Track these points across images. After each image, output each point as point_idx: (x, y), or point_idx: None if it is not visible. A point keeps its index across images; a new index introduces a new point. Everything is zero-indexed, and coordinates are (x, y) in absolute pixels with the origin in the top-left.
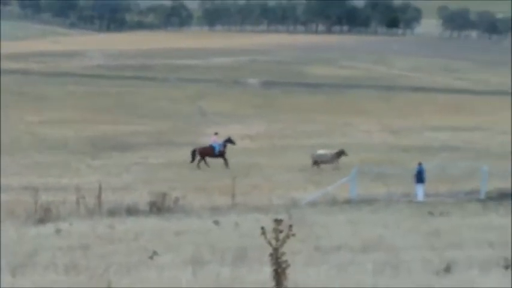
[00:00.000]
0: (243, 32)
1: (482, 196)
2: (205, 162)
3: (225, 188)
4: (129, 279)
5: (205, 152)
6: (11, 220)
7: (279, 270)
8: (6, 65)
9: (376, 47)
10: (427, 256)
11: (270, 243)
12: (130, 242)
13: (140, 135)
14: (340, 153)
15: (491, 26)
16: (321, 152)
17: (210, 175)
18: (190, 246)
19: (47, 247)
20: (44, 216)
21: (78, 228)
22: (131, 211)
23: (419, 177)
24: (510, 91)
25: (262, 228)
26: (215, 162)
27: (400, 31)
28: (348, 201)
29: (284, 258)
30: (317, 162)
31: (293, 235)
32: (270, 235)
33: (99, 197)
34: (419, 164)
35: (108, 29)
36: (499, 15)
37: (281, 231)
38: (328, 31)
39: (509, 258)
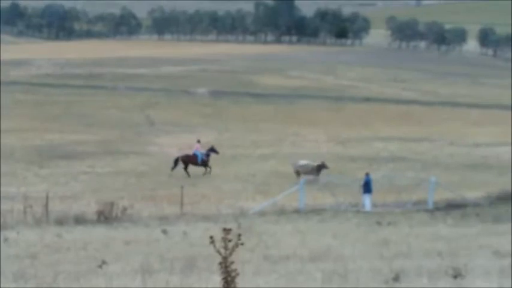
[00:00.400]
0: (193, 41)
1: (430, 206)
2: (186, 171)
3: (173, 197)
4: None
5: (189, 160)
6: None
7: (228, 279)
8: None
9: (325, 57)
10: (375, 265)
11: (219, 252)
12: (78, 250)
13: (88, 144)
14: (321, 166)
15: (440, 37)
16: (303, 162)
17: (158, 184)
18: (139, 255)
19: None
20: None
21: (25, 237)
22: (79, 220)
23: (367, 187)
24: (460, 102)
25: (211, 237)
26: (162, 171)
27: (349, 41)
28: (296, 211)
29: (233, 267)
30: (299, 172)
31: (242, 244)
32: (219, 244)
33: (46, 205)
34: (367, 174)
35: (56, 37)
36: (447, 26)
37: (230, 240)
38: (278, 41)
39: (458, 267)
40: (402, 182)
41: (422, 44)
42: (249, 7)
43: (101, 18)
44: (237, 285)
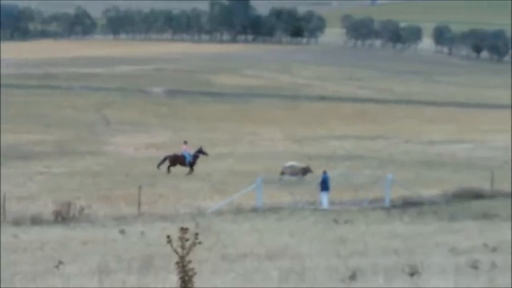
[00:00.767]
0: (148, 41)
1: (386, 204)
2: (169, 170)
3: (130, 197)
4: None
5: (177, 161)
6: None
7: (186, 278)
8: None
9: (280, 56)
10: (332, 263)
11: (176, 252)
12: (35, 251)
13: (44, 144)
14: (307, 170)
15: (395, 35)
16: (290, 163)
17: (115, 184)
18: (96, 256)
19: None
20: None
21: None
22: (36, 220)
23: (324, 185)
24: (415, 99)
25: (168, 236)
26: (119, 171)
27: (304, 40)
28: (254, 210)
29: (190, 266)
30: (284, 173)
31: (199, 243)
32: (176, 243)
33: (3, 206)
34: (324, 172)
35: (11, 37)
36: (403, 24)
37: (187, 240)
38: (233, 40)
39: (414, 265)
40: (359, 180)
41: (377, 43)
42: (204, 6)
43: (55, 18)
44: (194, 285)
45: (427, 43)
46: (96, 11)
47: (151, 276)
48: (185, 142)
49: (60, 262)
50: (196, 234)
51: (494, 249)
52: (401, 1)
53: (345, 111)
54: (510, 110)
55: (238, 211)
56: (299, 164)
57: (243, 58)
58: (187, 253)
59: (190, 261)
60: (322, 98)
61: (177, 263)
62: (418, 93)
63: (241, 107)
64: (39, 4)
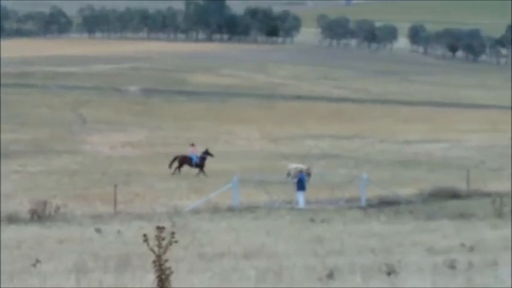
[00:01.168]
0: (123, 39)
1: (362, 203)
2: (179, 171)
3: (106, 196)
4: (12, 287)
5: (185, 162)
6: None
7: (162, 277)
8: None
9: (256, 55)
10: (309, 262)
11: (152, 250)
12: (12, 249)
13: (20, 143)
14: (309, 172)
15: (370, 35)
16: (295, 165)
17: (91, 183)
18: (73, 254)
19: None
20: None
21: None
22: (12, 219)
23: (300, 185)
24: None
25: (145, 235)
26: (95, 169)
27: (280, 39)
28: (231, 209)
29: (167, 265)
30: (290, 174)
31: (175, 242)
32: (153, 242)
33: None
34: (300, 171)
35: None
36: (378, 24)
37: (163, 239)
38: (209, 39)
39: (391, 264)
40: (335, 179)
41: (353, 42)
42: (179, 5)
43: (30, 16)
44: (171, 284)
45: (402, 43)
46: (71, 9)
47: (128, 275)
48: (192, 144)
49: (37, 261)
50: (173, 233)
51: (471, 249)
52: (377, 1)
53: (320, 111)
54: (485, 109)
55: (215, 210)
56: (302, 166)
57: (219, 57)
58: (164, 252)
59: (167, 260)
60: (298, 98)
61: (154, 262)
62: (394, 93)
63: (217, 106)
64: (14, 3)
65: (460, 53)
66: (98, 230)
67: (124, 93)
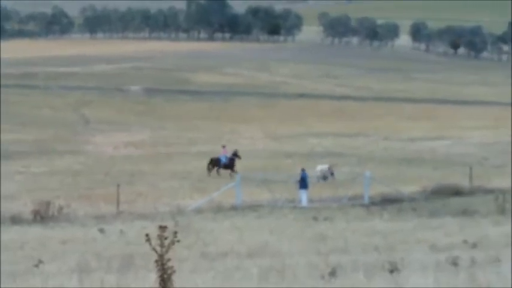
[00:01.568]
0: (125, 39)
1: (365, 201)
2: (218, 172)
3: (109, 196)
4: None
5: (214, 163)
6: None
7: (165, 276)
8: None
9: (258, 54)
10: (312, 261)
11: (155, 250)
12: (15, 250)
13: (23, 143)
14: (332, 172)
15: (372, 33)
16: (320, 167)
17: (94, 183)
18: (75, 255)
19: None
20: None
21: None
22: (15, 220)
23: (303, 183)
24: (394, 97)
25: (147, 235)
26: (98, 170)
27: (281, 38)
28: (234, 208)
29: (170, 264)
30: (321, 176)
31: (178, 241)
32: (155, 242)
33: None
34: (303, 169)
35: None
36: (379, 22)
37: (166, 238)
38: (211, 38)
39: (394, 262)
40: (338, 177)
41: (354, 40)
42: (181, 5)
43: (32, 17)
44: (174, 283)
45: (404, 40)
46: (73, 10)
47: (131, 275)
48: (223, 146)
49: (40, 261)
50: (175, 232)
51: (474, 246)
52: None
53: (323, 109)
54: (487, 106)
55: (218, 209)
56: (326, 166)
57: (221, 56)
58: (166, 251)
59: (169, 260)
60: (301, 96)
61: (156, 261)
62: (396, 91)
63: (219, 106)
64: (16, 4)
65: (461, 50)
66: (101, 230)
67: (126, 93)
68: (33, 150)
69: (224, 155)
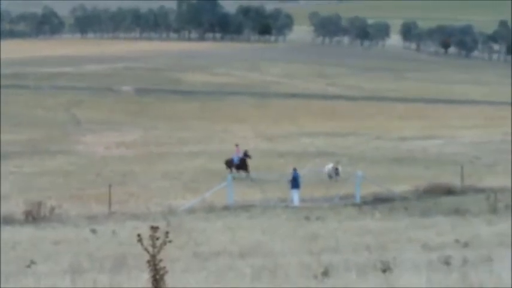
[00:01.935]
0: (116, 39)
1: (357, 200)
2: (238, 171)
3: (101, 196)
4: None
5: (229, 163)
6: None
7: (157, 277)
8: None
9: (249, 54)
10: (304, 260)
11: (147, 250)
12: (7, 251)
13: (14, 144)
14: (338, 169)
15: (363, 32)
16: (328, 166)
17: (86, 183)
18: (68, 255)
19: None
20: None
21: None
22: (7, 220)
23: (295, 183)
24: (385, 96)
25: (139, 235)
26: (90, 170)
27: (272, 38)
28: (226, 208)
29: (162, 264)
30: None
31: (170, 241)
32: (147, 242)
33: None
34: (294, 169)
35: None
36: (370, 21)
37: (158, 238)
38: (201, 38)
39: (387, 261)
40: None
41: (345, 39)
42: (171, 4)
43: (23, 17)
44: (166, 283)
45: (394, 40)
46: (63, 10)
47: (123, 275)
48: (236, 145)
49: (32, 262)
50: (167, 232)
51: (465, 245)
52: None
53: (314, 109)
54: (479, 105)
55: (210, 209)
56: (331, 165)
57: (212, 56)
58: (158, 252)
59: (161, 260)
60: (292, 96)
61: (148, 261)
62: (387, 90)
63: (211, 105)
64: (7, 4)
65: (452, 50)
66: (93, 231)
67: (117, 93)
68: (25, 150)
69: (237, 154)
